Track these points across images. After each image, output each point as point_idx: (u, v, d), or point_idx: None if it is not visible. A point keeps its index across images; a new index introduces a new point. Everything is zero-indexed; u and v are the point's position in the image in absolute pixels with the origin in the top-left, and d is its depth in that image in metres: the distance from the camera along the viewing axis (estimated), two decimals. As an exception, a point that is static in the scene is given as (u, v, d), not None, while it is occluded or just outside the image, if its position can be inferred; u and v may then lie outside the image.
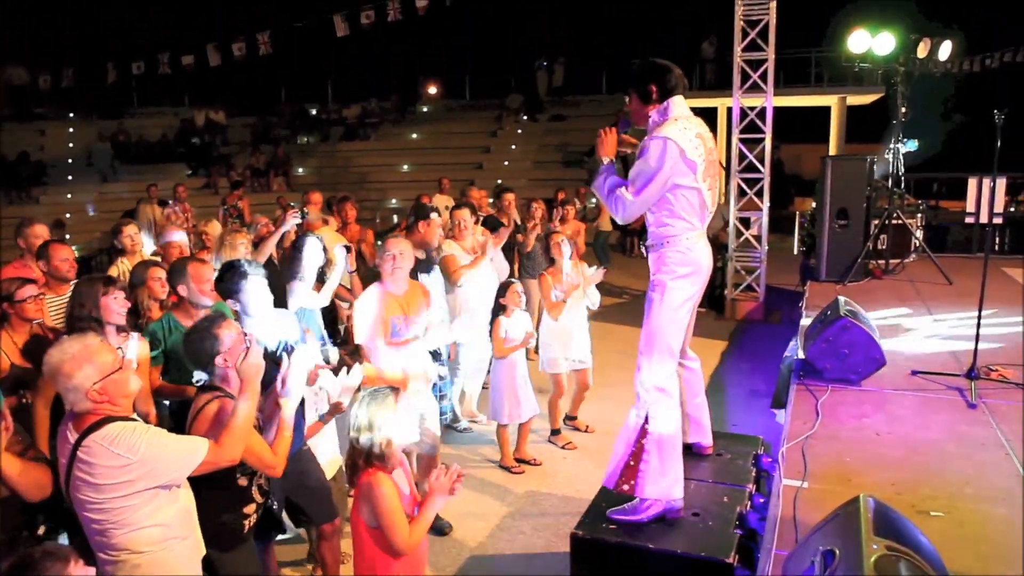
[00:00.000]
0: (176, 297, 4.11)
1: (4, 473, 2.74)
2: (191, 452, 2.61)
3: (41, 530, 3.03)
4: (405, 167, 20.56)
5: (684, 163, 3.22)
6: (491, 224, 7.08)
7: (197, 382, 3.09)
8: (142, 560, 2.57)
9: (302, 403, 3.43)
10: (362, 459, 2.80)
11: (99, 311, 3.76)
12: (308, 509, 3.77)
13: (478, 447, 6.16)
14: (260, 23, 13.27)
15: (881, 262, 8.42)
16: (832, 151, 15.83)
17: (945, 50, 9.29)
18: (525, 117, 21.72)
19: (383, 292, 4.49)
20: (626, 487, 3.46)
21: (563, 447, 6.05)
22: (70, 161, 20.49)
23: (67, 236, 10.98)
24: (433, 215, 6.33)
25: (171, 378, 3.96)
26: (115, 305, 3.81)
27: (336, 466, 4.31)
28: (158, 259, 5.40)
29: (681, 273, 3.36)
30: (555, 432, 6.17)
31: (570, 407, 6.42)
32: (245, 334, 3.04)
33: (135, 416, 2.68)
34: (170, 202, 10.58)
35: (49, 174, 19.31)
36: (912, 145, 8.84)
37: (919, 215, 9.52)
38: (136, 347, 3.79)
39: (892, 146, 8.92)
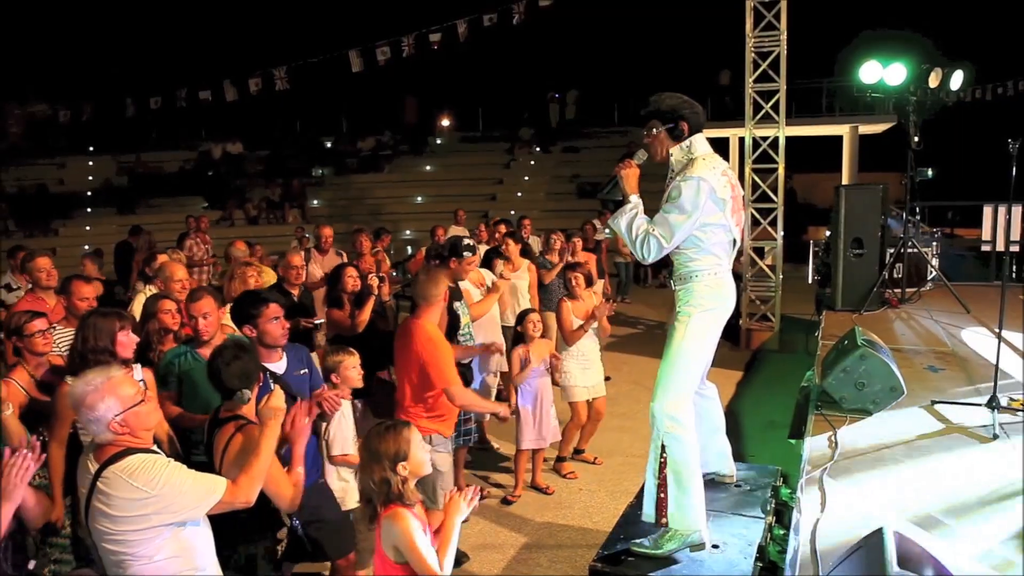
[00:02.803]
0: (191, 329, 4.15)
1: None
2: (208, 492, 2.62)
3: None
4: (419, 199, 20.72)
5: (714, 202, 3.25)
6: (494, 255, 7.13)
7: (246, 400, 3.09)
8: (159, 592, 2.56)
9: (316, 437, 3.43)
10: (380, 498, 2.71)
11: (115, 346, 3.72)
12: (323, 543, 3.75)
13: (491, 473, 6.13)
14: (277, 58, 13.46)
15: (897, 291, 8.37)
16: (845, 180, 15.81)
17: (957, 79, 9.30)
18: (538, 148, 21.88)
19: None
20: (664, 521, 3.43)
21: (565, 475, 6.03)
22: (89, 194, 20.75)
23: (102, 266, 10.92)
24: (467, 254, 5.77)
25: (184, 406, 3.98)
26: (127, 340, 3.79)
27: None
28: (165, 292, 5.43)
29: (708, 307, 3.37)
30: (560, 459, 6.14)
31: (580, 439, 6.36)
32: (268, 373, 3.08)
33: (156, 448, 2.69)
34: (190, 232, 10.76)
35: (68, 207, 19.58)
36: (927, 174, 8.75)
37: (934, 243, 9.47)
38: (141, 377, 3.83)
39: (908, 174, 8.89)
